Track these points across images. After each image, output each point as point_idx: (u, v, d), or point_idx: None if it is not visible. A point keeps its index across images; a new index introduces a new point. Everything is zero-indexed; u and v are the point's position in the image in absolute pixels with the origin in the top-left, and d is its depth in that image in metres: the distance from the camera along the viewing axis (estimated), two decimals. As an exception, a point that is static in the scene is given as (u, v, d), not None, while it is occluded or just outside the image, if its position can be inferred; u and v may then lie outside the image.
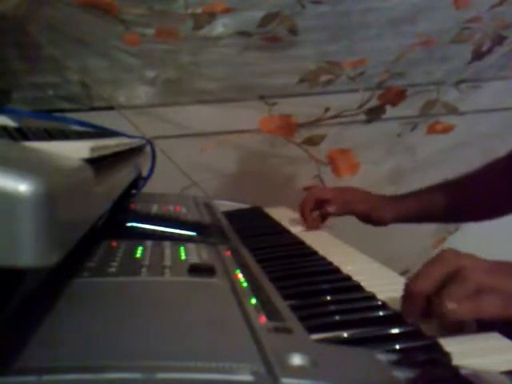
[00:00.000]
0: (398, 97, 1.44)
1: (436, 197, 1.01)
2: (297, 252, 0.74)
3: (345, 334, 0.43)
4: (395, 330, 0.44)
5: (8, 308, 0.30)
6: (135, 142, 0.92)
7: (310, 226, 0.96)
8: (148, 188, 1.06)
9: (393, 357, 0.34)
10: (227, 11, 1.33)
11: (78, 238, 0.30)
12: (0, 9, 1.21)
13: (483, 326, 0.45)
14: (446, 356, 0.39)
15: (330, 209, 0.97)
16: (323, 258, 0.69)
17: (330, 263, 0.66)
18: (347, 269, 0.62)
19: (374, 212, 1.00)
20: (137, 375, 0.28)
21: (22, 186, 0.22)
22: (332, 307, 0.50)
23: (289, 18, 1.36)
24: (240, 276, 0.52)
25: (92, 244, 0.57)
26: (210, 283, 0.48)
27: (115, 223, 0.67)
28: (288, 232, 0.89)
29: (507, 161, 0.97)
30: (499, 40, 1.39)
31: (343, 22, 1.40)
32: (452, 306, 0.44)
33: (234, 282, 0.49)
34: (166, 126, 1.41)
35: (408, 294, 0.49)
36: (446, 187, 1.02)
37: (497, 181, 0.98)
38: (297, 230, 0.93)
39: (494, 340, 0.44)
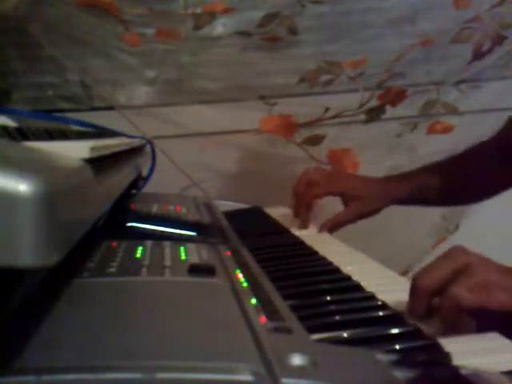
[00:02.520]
0: (397, 97, 1.44)
1: (429, 179, 1.02)
2: (297, 252, 0.74)
3: (345, 334, 0.43)
4: (395, 330, 0.44)
5: (8, 308, 0.30)
6: (135, 142, 0.92)
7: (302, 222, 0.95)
8: (148, 188, 1.06)
9: (393, 357, 0.34)
10: (227, 11, 1.33)
11: (78, 237, 0.30)
12: (0, 9, 1.21)
13: (483, 326, 0.45)
14: (446, 356, 0.39)
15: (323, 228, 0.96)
16: (323, 258, 0.69)
17: (330, 263, 0.66)
18: (347, 269, 0.62)
19: (369, 205, 1.00)
20: (137, 375, 0.28)
21: (22, 186, 0.22)
22: (332, 307, 0.50)
23: (289, 18, 1.36)
24: (240, 276, 0.53)
25: (92, 244, 0.57)
26: (210, 283, 0.48)
27: (115, 223, 0.67)
28: (288, 232, 0.89)
29: (493, 142, 0.98)
30: (499, 40, 1.39)
31: (343, 21, 1.40)
32: (463, 292, 0.44)
33: (234, 282, 0.49)
34: (166, 126, 1.41)
35: (415, 289, 0.49)
36: (438, 169, 1.03)
37: (484, 162, 1.00)
38: (297, 230, 0.93)
39: (494, 340, 0.44)
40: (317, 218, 1.00)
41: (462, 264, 0.47)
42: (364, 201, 0.99)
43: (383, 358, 0.34)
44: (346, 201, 1.00)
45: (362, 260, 0.73)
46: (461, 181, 1.02)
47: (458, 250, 0.50)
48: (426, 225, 1.54)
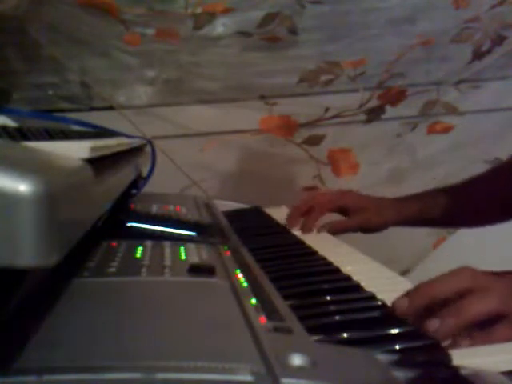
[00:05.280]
0: (397, 97, 1.44)
1: (438, 201, 1.00)
2: (297, 252, 0.74)
3: (345, 334, 0.43)
4: (395, 330, 0.44)
5: (8, 308, 0.30)
6: (135, 142, 0.92)
7: (290, 226, 0.95)
8: (148, 188, 1.06)
9: (393, 357, 0.34)
10: (227, 11, 1.33)
11: (78, 237, 0.30)
12: (0, 9, 1.21)
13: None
14: (446, 356, 0.39)
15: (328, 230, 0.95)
16: (323, 258, 0.69)
17: (330, 263, 0.66)
18: (347, 269, 0.62)
19: (374, 219, 0.99)
20: (137, 375, 0.28)
21: (22, 186, 0.22)
22: (332, 307, 0.50)
23: (289, 18, 1.36)
24: (240, 276, 0.52)
25: (92, 244, 0.57)
26: (210, 283, 0.48)
27: (115, 223, 0.67)
28: (288, 232, 0.89)
29: (509, 167, 0.96)
30: (499, 40, 1.39)
31: (343, 21, 1.40)
32: (465, 343, 0.43)
33: (234, 282, 0.49)
34: (166, 126, 1.41)
35: (417, 291, 0.48)
36: (448, 192, 1.01)
37: (500, 187, 0.97)
38: (297, 230, 0.93)
39: (494, 340, 0.44)
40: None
41: (467, 287, 0.47)
42: (369, 214, 0.98)
43: (383, 358, 0.34)
44: (350, 214, 1.00)
45: (361, 260, 0.73)
46: (472, 204, 0.99)
47: (467, 271, 0.49)
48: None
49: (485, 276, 0.48)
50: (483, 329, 0.45)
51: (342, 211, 1.00)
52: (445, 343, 0.43)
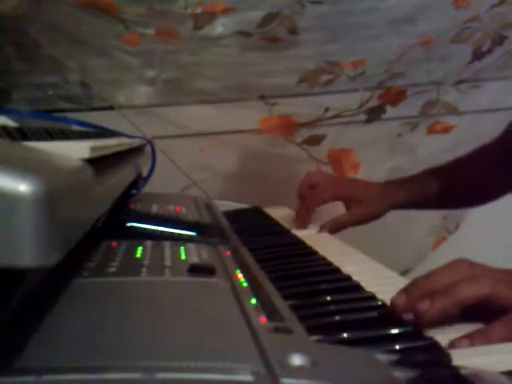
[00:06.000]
0: (397, 97, 1.44)
1: (429, 182, 1.02)
2: (297, 252, 0.74)
3: (345, 334, 0.43)
4: (395, 330, 0.44)
5: (8, 308, 0.30)
6: (135, 142, 0.92)
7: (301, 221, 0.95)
8: (148, 188, 1.06)
9: (393, 357, 0.34)
10: (227, 11, 1.33)
11: (78, 237, 0.30)
12: (0, 9, 1.21)
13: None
14: (446, 356, 0.39)
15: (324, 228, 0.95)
16: (323, 258, 0.69)
17: (330, 263, 0.66)
18: (347, 269, 0.62)
19: (370, 210, 0.99)
20: (137, 375, 0.28)
21: (22, 186, 0.22)
22: (332, 307, 0.50)
23: (289, 18, 1.36)
24: (240, 276, 0.52)
25: (92, 244, 0.57)
26: (210, 283, 0.48)
27: (115, 223, 0.67)
28: (288, 232, 0.89)
29: (495, 146, 0.98)
30: (499, 40, 1.39)
31: (343, 22, 1.40)
32: (464, 343, 0.43)
33: (234, 282, 0.49)
34: (166, 126, 1.41)
35: (411, 286, 0.48)
36: (438, 172, 1.03)
37: (486, 166, 0.99)
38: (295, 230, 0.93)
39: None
40: (317, 218, 1.00)
41: (464, 276, 0.47)
42: (365, 205, 0.99)
43: (383, 358, 0.34)
44: (348, 205, 1.00)
45: (362, 260, 0.73)
46: (461, 184, 1.02)
47: (463, 263, 0.49)
48: (426, 225, 1.54)
49: (480, 266, 0.49)
50: (481, 328, 0.45)
51: (339, 200, 1.01)
52: (435, 328, 0.43)
